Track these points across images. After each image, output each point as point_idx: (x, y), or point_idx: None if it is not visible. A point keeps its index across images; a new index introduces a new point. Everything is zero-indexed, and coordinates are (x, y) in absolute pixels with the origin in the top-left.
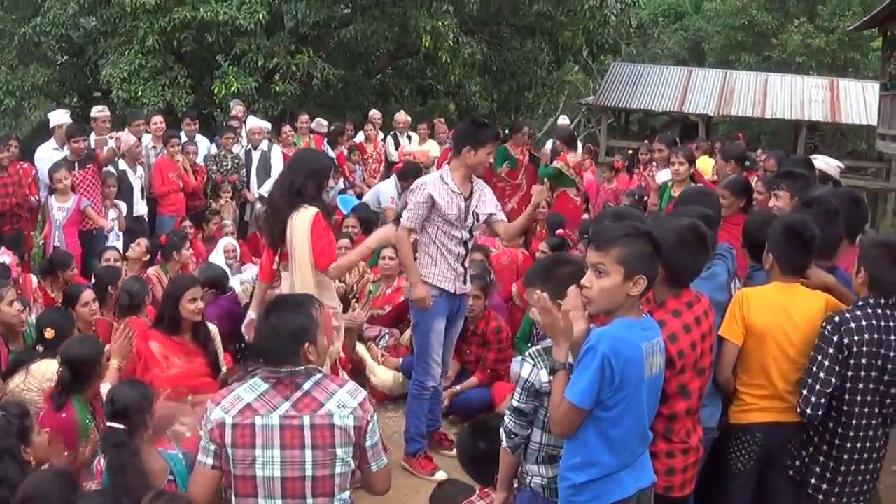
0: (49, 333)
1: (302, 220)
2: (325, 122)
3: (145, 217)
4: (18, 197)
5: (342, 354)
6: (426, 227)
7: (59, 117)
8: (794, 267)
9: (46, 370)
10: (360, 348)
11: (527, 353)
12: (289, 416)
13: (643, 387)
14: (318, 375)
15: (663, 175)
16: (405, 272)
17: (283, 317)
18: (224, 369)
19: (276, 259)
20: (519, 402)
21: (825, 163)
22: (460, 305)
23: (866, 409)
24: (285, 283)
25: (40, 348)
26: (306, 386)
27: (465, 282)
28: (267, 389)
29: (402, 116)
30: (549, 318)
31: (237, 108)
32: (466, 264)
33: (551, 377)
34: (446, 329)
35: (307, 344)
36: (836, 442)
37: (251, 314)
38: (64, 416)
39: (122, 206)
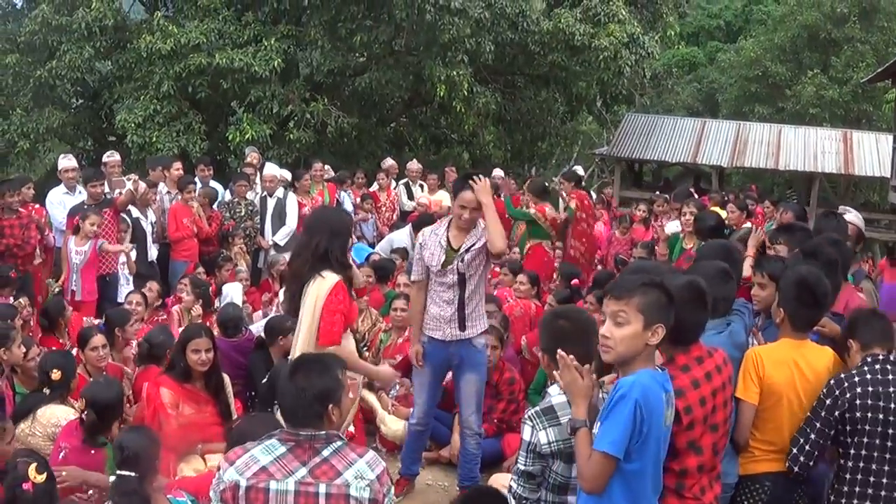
0: (56, 375)
1: (317, 291)
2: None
3: (155, 262)
4: (17, 238)
5: (352, 428)
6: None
7: (66, 163)
8: (805, 323)
9: (52, 416)
10: (371, 398)
11: (526, 416)
12: (304, 483)
13: (661, 438)
14: (339, 443)
15: (672, 226)
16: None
17: (311, 378)
18: (235, 417)
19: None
20: (526, 465)
21: (856, 216)
22: (463, 354)
23: (874, 467)
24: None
25: (47, 391)
26: (325, 453)
27: (461, 328)
28: (284, 453)
29: (414, 165)
30: (569, 377)
31: (252, 155)
32: (467, 310)
33: (572, 436)
34: (457, 379)
35: (331, 406)
36: (843, 501)
37: None
38: (93, 452)
39: (132, 250)
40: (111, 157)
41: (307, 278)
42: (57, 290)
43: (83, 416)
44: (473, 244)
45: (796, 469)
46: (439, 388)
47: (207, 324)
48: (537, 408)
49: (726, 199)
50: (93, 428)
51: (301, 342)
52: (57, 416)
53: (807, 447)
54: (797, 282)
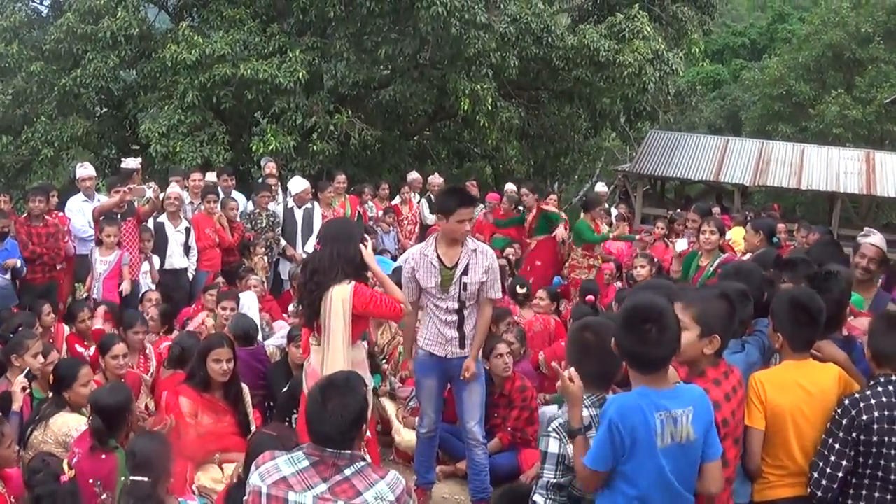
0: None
1: (339, 296)
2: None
3: (189, 271)
4: (44, 247)
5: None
6: (421, 294)
7: (83, 171)
8: (804, 342)
9: (63, 424)
10: (389, 407)
11: (550, 429)
12: (323, 498)
13: (658, 455)
14: (362, 464)
15: (681, 244)
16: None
17: (345, 402)
18: (253, 428)
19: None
20: (557, 477)
21: (880, 240)
22: (463, 365)
23: (889, 493)
24: (316, 357)
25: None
26: (347, 472)
27: (461, 346)
28: (306, 466)
29: (436, 179)
30: (564, 384)
31: (269, 165)
32: (466, 329)
33: (571, 441)
34: (458, 390)
35: (364, 426)
36: None
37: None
38: (104, 457)
39: (156, 259)
40: (138, 163)
41: (329, 286)
42: (84, 295)
43: (89, 420)
44: (474, 279)
45: (819, 493)
46: (443, 395)
47: None
48: (560, 420)
49: (748, 217)
50: (98, 433)
51: (337, 349)
52: (69, 424)
53: (828, 470)
54: (790, 303)
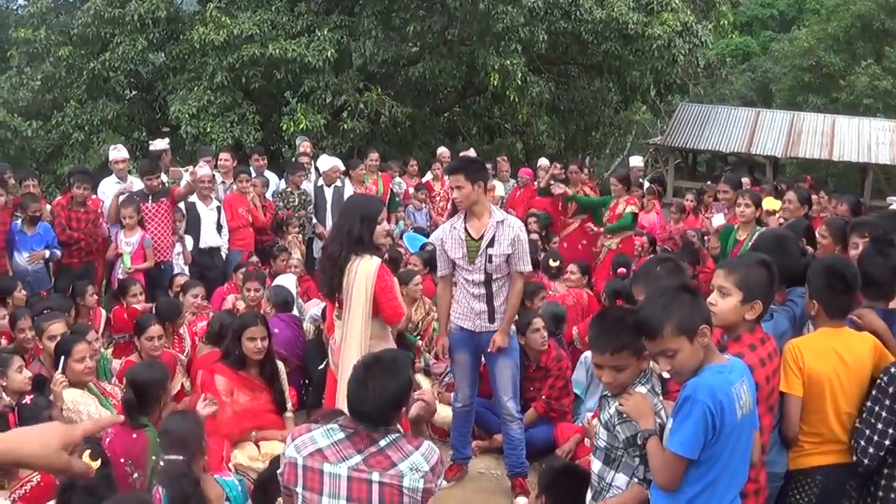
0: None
1: (363, 272)
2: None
3: (222, 250)
4: (83, 232)
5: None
6: (455, 268)
7: (116, 154)
8: (840, 310)
9: (67, 399)
10: (425, 383)
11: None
12: (358, 469)
13: (737, 430)
14: (396, 435)
15: (718, 219)
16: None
17: (386, 384)
18: (290, 405)
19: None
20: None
21: None
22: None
23: None
24: (339, 332)
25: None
26: (382, 443)
27: (491, 320)
28: (342, 438)
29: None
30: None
31: (304, 144)
32: (495, 303)
33: (643, 447)
34: (491, 366)
35: (403, 408)
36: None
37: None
38: (135, 436)
39: (189, 240)
40: (166, 143)
41: (345, 262)
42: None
43: (123, 394)
44: (500, 251)
45: (866, 461)
46: (478, 369)
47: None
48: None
49: (780, 189)
50: (129, 406)
51: (356, 323)
52: (71, 398)
53: (875, 437)
54: (825, 271)
